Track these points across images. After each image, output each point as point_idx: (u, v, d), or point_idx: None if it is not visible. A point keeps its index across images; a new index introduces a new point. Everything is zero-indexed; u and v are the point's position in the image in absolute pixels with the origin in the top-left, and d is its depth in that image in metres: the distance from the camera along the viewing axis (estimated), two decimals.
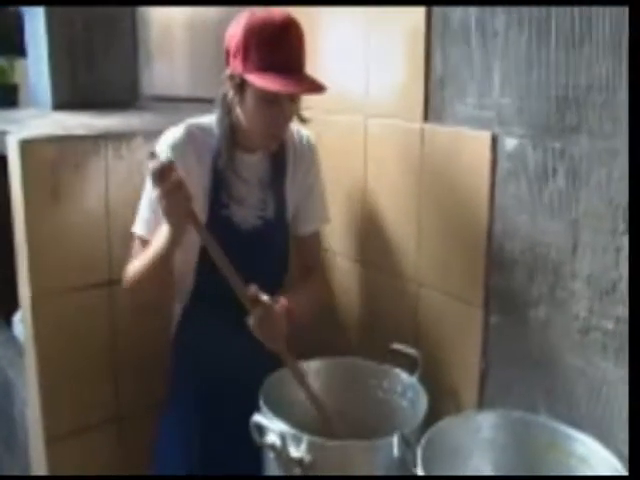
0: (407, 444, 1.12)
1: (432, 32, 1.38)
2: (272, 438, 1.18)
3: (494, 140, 1.26)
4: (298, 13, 1.35)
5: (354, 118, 1.61)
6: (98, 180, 1.59)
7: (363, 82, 1.58)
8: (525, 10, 1.18)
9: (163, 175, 1.19)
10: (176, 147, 1.35)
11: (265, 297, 1.29)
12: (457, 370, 1.40)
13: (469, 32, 1.29)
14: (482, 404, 1.35)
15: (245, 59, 1.28)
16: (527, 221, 1.22)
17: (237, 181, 1.42)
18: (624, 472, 1.03)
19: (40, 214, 1.52)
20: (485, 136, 1.27)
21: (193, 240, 1.39)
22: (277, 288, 1.42)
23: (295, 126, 1.50)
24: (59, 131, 1.59)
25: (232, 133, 1.38)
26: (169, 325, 1.53)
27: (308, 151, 1.52)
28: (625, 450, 1.08)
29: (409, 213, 1.49)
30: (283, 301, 1.34)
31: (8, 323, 2.23)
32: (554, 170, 1.16)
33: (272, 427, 1.19)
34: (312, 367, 1.47)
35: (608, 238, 1.09)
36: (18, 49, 2.25)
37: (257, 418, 1.20)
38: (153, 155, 1.21)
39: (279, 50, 1.27)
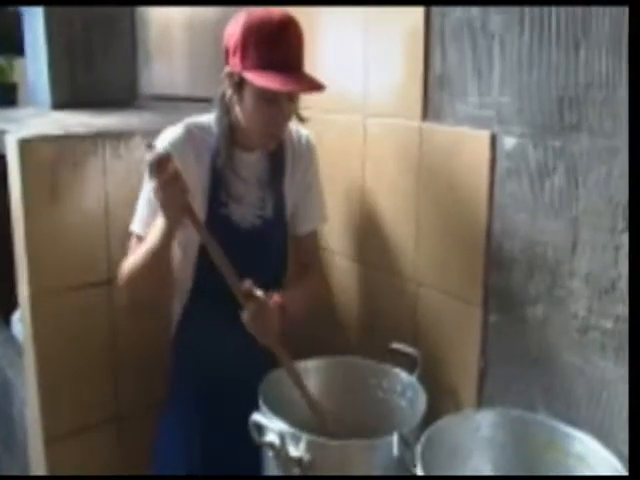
0: (406, 443, 1.12)
1: (431, 31, 1.38)
2: (271, 437, 1.18)
3: (493, 139, 1.26)
4: (297, 13, 1.35)
5: (353, 117, 1.61)
6: (97, 179, 1.59)
7: (362, 81, 1.58)
8: (524, 9, 1.18)
9: (160, 166, 1.19)
10: (175, 146, 1.35)
11: (259, 292, 1.29)
12: (456, 369, 1.40)
13: (468, 31, 1.29)
14: (481, 403, 1.35)
15: (244, 57, 1.28)
16: (526, 220, 1.22)
17: (236, 180, 1.42)
18: (623, 471, 1.03)
19: (39, 213, 1.52)
20: (484, 135, 1.27)
21: (193, 239, 1.39)
22: (276, 287, 1.42)
23: (294, 126, 1.50)
24: (58, 130, 1.59)
25: (231, 132, 1.38)
26: (169, 325, 1.53)
27: (306, 150, 1.52)
28: (624, 449, 1.08)
29: (408, 212, 1.48)
30: (276, 297, 1.34)
31: (7, 322, 2.22)
32: (553, 169, 1.16)
33: (271, 426, 1.19)
34: (311, 366, 1.47)
35: (607, 236, 1.09)
36: (17, 48, 2.25)
37: (256, 417, 1.20)
38: (150, 146, 1.21)
39: (278, 48, 1.27)
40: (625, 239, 1.06)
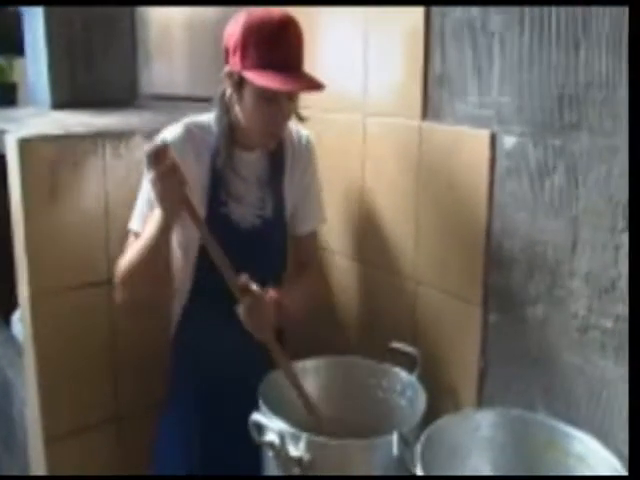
0: (406, 443, 1.12)
1: (431, 31, 1.38)
2: (271, 437, 1.18)
3: (493, 138, 1.26)
4: (297, 12, 1.35)
5: (353, 117, 1.61)
6: (97, 179, 1.59)
7: (362, 81, 1.58)
8: (524, 9, 1.18)
9: (158, 157, 1.19)
10: (175, 145, 1.35)
11: (255, 286, 1.29)
12: (456, 368, 1.40)
13: (468, 31, 1.29)
14: (481, 402, 1.35)
15: (244, 57, 1.28)
16: (526, 219, 1.22)
17: (235, 179, 1.42)
18: (623, 471, 1.03)
19: (39, 213, 1.52)
20: (484, 134, 1.27)
21: (193, 239, 1.39)
22: (275, 286, 1.42)
23: (294, 125, 1.50)
24: (58, 130, 1.59)
25: (230, 131, 1.38)
26: (168, 325, 1.53)
27: (306, 151, 1.52)
28: (624, 449, 1.08)
29: (407, 211, 1.48)
30: (273, 292, 1.34)
31: (7, 322, 2.22)
32: (553, 168, 1.16)
33: (271, 426, 1.19)
34: (310, 366, 1.47)
35: (607, 236, 1.09)
36: (17, 48, 2.25)
37: (256, 417, 1.20)
38: (149, 137, 1.21)
39: (278, 48, 1.27)
40: (625, 238, 1.06)
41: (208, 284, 1.36)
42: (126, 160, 1.62)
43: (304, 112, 1.44)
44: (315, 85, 1.31)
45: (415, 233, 1.48)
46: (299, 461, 1.16)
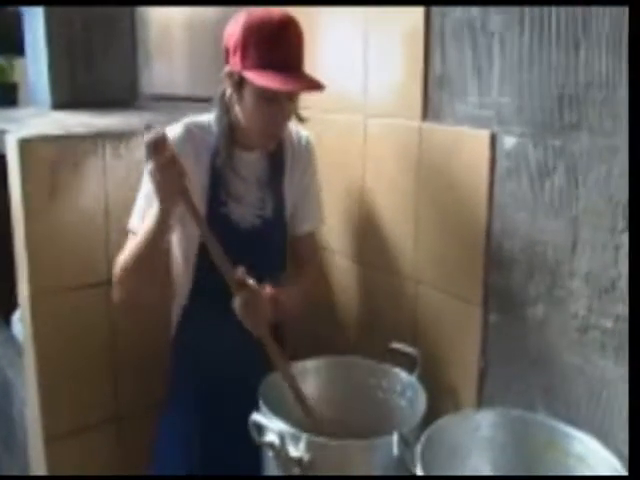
0: (406, 443, 1.12)
1: (431, 31, 1.38)
2: (271, 437, 1.18)
3: (493, 139, 1.26)
4: (297, 13, 1.35)
5: (353, 117, 1.61)
6: (97, 179, 1.59)
7: (362, 81, 1.58)
8: (524, 9, 1.18)
9: (157, 148, 1.19)
10: (175, 145, 1.34)
11: (251, 281, 1.29)
12: (456, 369, 1.40)
13: (468, 31, 1.29)
14: (481, 403, 1.35)
15: (244, 57, 1.28)
16: (526, 219, 1.22)
17: (235, 179, 1.42)
18: (623, 471, 1.03)
19: (39, 213, 1.52)
20: (484, 135, 1.27)
21: (192, 239, 1.39)
22: (273, 284, 1.42)
23: (294, 126, 1.50)
24: (58, 130, 1.59)
25: (230, 131, 1.38)
26: (168, 325, 1.53)
27: (306, 152, 1.52)
28: (624, 449, 1.08)
29: (408, 212, 1.48)
30: (269, 288, 1.34)
31: (7, 322, 2.23)
32: (553, 168, 1.16)
33: (271, 426, 1.19)
34: (311, 366, 1.47)
35: (607, 236, 1.09)
36: (17, 48, 2.25)
37: (256, 417, 1.20)
38: (149, 127, 1.21)
39: (278, 48, 1.28)
40: (625, 239, 1.06)
41: (208, 284, 1.36)
42: (126, 160, 1.62)
43: (304, 112, 1.44)
44: (315, 85, 1.31)
45: (415, 233, 1.48)
46: (299, 461, 1.16)
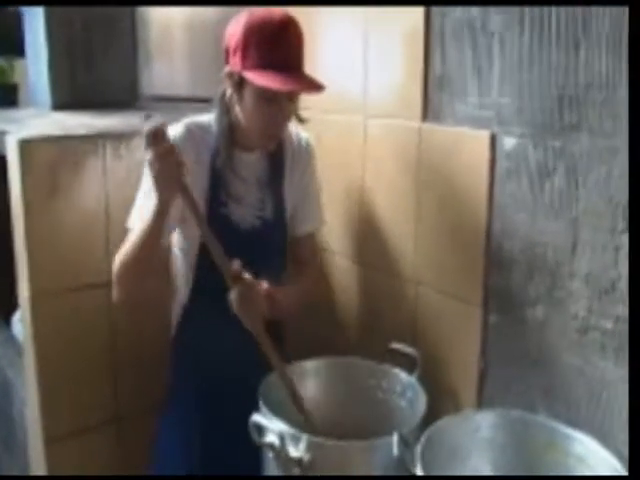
0: (406, 444, 1.12)
1: (431, 32, 1.38)
2: (271, 438, 1.18)
3: (493, 139, 1.26)
4: (297, 13, 1.35)
5: (353, 118, 1.61)
6: (97, 180, 1.59)
7: (362, 82, 1.58)
8: (524, 9, 1.18)
9: (157, 137, 1.19)
10: (175, 144, 1.35)
11: (247, 275, 1.29)
12: (456, 370, 1.40)
13: (468, 31, 1.29)
14: (481, 403, 1.35)
15: (244, 57, 1.28)
16: (526, 220, 1.22)
17: (235, 179, 1.42)
18: (623, 472, 1.03)
19: (39, 214, 1.52)
20: (484, 135, 1.27)
21: (193, 237, 1.39)
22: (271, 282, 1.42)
23: (294, 128, 1.51)
24: (58, 131, 1.59)
25: (230, 131, 1.38)
26: (169, 325, 1.53)
27: (305, 153, 1.52)
28: (624, 450, 1.08)
29: (408, 212, 1.48)
30: (265, 284, 1.34)
31: (7, 323, 2.23)
32: (553, 169, 1.16)
33: (271, 427, 1.19)
34: (311, 367, 1.47)
35: (607, 237, 1.09)
36: (18, 49, 2.25)
37: (256, 418, 1.20)
38: (148, 116, 1.21)
39: (278, 48, 1.28)
40: (625, 239, 1.06)
41: (209, 284, 1.36)
42: (126, 161, 1.62)
43: (304, 113, 1.44)
44: (315, 86, 1.31)
45: (415, 234, 1.48)
46: (299, 462, 1.16)
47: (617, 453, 1.07)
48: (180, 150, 1.33)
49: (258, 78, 1.27)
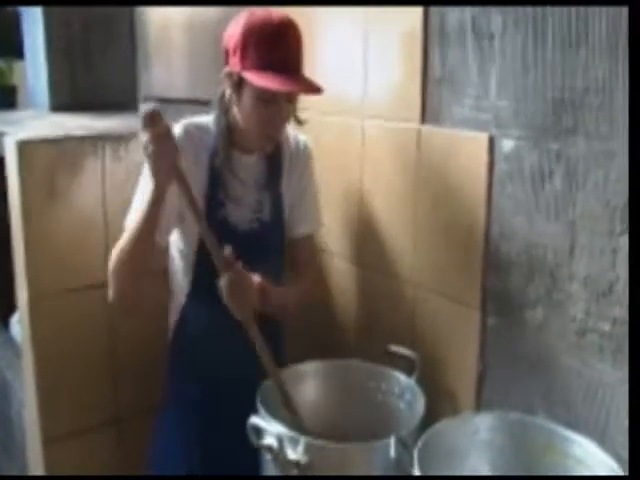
0: (404, 446, 1.12)
1: (429, 33, 1.38)
2: (269, 440, 1.18)
3: (491, 142, 1.26)
4: (296, 14, 1.35)
5: (351, 119, 1.61)
6: (96, 181, 1.59)
7: (360, 84, 1.58)
8: (522, 11, 1.18)
9: (153, 119, 1.20)
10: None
11: (239, 264, 1.29)
12: (454, 372, 1.40)
13: (466, 34, 1.29)
14: (479, 406, 1.35)
15: (243, 57, 1.28)
16: (524, 223, 1.22)
17: (234, 181, 1.42)
18: (621, 474, 1.03)
19: (38, 215, 1.52)
20: (482, 138, 1.27)
21: (191, 237, 1.39)
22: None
23: (292, 131, 1.51)
24: (57, 132, 1.59)
25: (229, 132, 1.39)
26: (167, 326, 1.53)
27: (303, 156, 1.53)
28: (622, 452, 1.08)
29: (406, 214, 1.49)
30: (257, 277, 1.34)
31: (6, 324, 2.23)
32: (551, 172, 1.16)
33: (269, 429, 1.19)
34: (310, 369, 1.47)
35: (605, 240, 1.09)
36: (16, 51, 2.25)
37: (254, 420, 1.20)
38: (146, 99, 1.22)
39: (277, 49, 1.28)
40: (622, 242, 1.06)
41: (206, 285, 1.36)
42: (126, 163, 1.62)
43: (302, 114, 1.44)
44: (314, 88, 1.32)
45: (413, 236, 1.48)
46: (297, 464, 1.16)
47: (615, 455, 1.07)
48: (179, 150, 1.33)
49: (257, 78, 1.27)
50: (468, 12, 1.28)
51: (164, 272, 1.51)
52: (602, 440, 1.10)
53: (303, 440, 1.17)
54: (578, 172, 1.12)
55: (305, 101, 1.43)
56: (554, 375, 1.20)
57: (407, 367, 1.41)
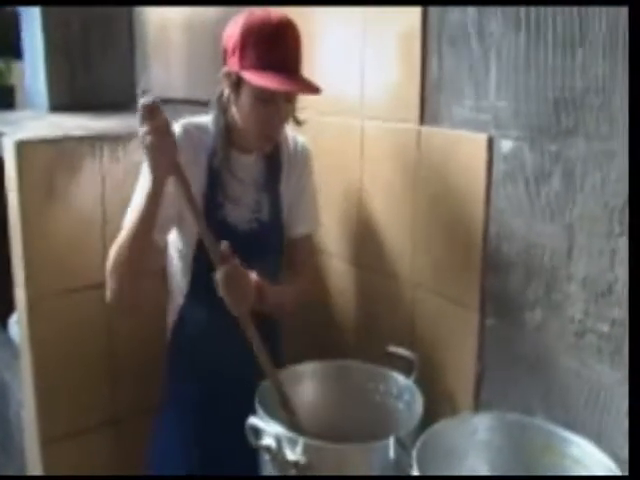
0: (403, 446, 1.12)
1: (428, 34, 1.38)
2: (268, 441, 1.18)
3: (490, 142, 1.26)
4: (295, 14, 1.35)
5: (350, 120, 1.61)
6: (94, 182, 1.59)
7: (359, 84, 1.58)
8: (521, 12, 1.18)
9: (152, 112, 1.20)
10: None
11: (236, 258, 1.29)
12: (453, 373, 1.40)
13: (465, 34, 1.29)
14: (478, 406, 1.35)
15: (242, 57, 1.28)
16: (523, 223, 1.22)
17: (232, 181, 1.42)
18: (619, 474, 1.03)
19: (36, 216, 1.52)
20: (481, 138, 1.27)
21: (189, 237, 1.39)
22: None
23: (290, 132, 1.51)
24: (56, 133, 1.59)
25: (227, 132, 1.39)
26: (166, 327, 1.53)
27: (302, 156, 1.53)
28: (620, 452, 1.08)
29: (405, 215, 1.49)
30: (254, 275, 1.34)
31: (4, 325, 2.22)
32: (550, 172, 1.16)
33: (268, 430, 1.19)
34: (308, 369, 1.47)
35: (603, 241, 1.09)
36: (15, 51, 2.25)
37: (253, 421, 1.20)
38: (145, 92, 1.22)
39: (276, 49, 1.28)
40: (621, 243, 1.06)
41: (204, 285, 1.36)
42: (124, 163, 1.62)
43: (301, 115, 1.44)
44: (313, 88, 1.32)
45: (412, 237, 1.48)
46: (296, 464, 1.16)
47: (613, 455, 1.07)
48: (178, 150, 1.33)
49: (256, 78, 1.27)
50: (467, 12, 1.28)
51: (163, 272, 1.51)
52: (600, 440, 1.10)
53: (301, 441, 1.17)
54: (577, 173, 1.12)
55: (304, 101, 1.43)
56: (553, 376, 1.20)
57: (406, 368, 1.41)
